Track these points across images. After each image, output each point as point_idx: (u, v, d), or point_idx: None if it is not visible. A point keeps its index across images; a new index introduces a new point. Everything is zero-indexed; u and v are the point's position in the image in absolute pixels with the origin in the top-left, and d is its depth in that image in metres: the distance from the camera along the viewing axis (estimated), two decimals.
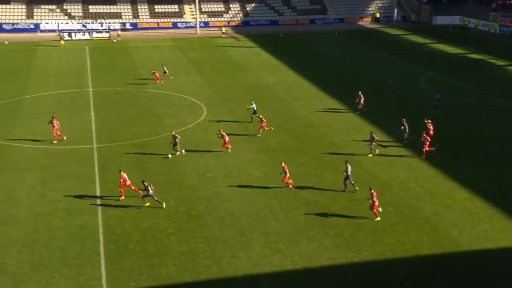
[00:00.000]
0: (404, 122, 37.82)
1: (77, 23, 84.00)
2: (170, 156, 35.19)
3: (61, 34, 75.86)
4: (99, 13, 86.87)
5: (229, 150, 36.14)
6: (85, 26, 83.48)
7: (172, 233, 26.61)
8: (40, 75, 57.08)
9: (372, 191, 27.61)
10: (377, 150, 36.08)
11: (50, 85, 53.25)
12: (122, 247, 25.34)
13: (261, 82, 55.29)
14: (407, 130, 37.60)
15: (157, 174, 32.98)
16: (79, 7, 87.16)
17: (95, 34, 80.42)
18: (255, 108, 42.10)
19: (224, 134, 36.39)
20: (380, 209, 28.08)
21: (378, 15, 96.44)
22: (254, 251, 25.15)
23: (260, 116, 40.31)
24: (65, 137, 38.17)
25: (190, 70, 60.41)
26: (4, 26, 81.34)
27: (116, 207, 28.90)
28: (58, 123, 37.99)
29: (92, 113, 44.57)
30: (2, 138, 38.33)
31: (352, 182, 30.67)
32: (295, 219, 27.92)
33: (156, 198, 28.85)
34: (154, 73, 54.46)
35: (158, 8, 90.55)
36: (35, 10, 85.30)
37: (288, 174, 30.90)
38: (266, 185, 31.65)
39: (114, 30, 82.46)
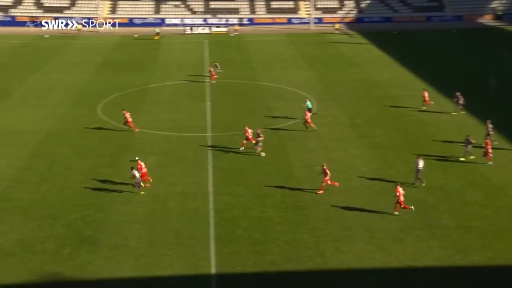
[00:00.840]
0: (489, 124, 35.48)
1: (198, 18, 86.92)
2: (263, 154, 34.46)
3: (156, 29, 78.02)
4: (218, 8, 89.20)
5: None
6: (205, 21, 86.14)
7: (278, 222, 26.84)
8: (163, 66, 59.73)
9: (398, 187, 26.81)
10: (472, 156, 33.50)
11: (172, 75, 55.55)
12: (231, 232, 25.95)
13: (371, 78, 54.11)
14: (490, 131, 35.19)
15: (266, 164, 33.36)
16: (201, 3, 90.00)
17: (214, 29, 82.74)
18: (310, 106, 40.89)
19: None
20: (412, 208, 26.89)
21: (500, 12, 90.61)
22: (358, 246, 24.75)
23: (307, 112, 39.30)
24: (137, 129, 38.39)
25: (301, 65, 60.40)
26: (134, 20, 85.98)
27: (226, 193, 29.63)
28: (129, 114, 38.52)
29: (208, 103, 45.93)
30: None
31: (419, 177, 29.68)
32: (401, 217, 27.09)
33: (141, 185, 29.13)
34: (210, 70, 53.33)
35: (274, 4, 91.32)
36: (162, 6, 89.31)
37: (329, 175, 29.52)
38: (373, 181, 30.98)
39: (232, 25, 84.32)
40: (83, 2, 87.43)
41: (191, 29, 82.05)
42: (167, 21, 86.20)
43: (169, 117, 42.19)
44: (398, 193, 26.82)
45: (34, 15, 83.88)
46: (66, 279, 22.40)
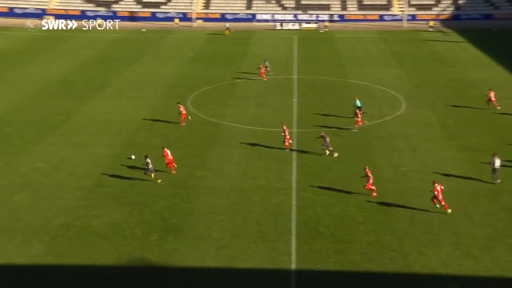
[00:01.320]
0: None
1: (289, 13, 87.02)
2: (336, 154, 33.90)
3: (226, 24, 78.54)
4: (309, 4, 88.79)
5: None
6: (296, 17, 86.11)
7: (361, 221, 26.41)
8: (252, 61, 60.35)
9: (436, 184, 26.51)
10: None
11: (259, 70, 55.95)
12: (312, 229, 25.85)
13: (466, 78, 51.82)
14: None
15: (350, 163, 32.90)
16: None
17: (304, 25, 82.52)
18: (359, 105, 39.75)
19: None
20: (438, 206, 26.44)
21: None
22: (443, 251, 23.87)
23: (357, 111, 38.26)
24: (183, 123, 38.91)
25: (392, 63, 58.91)
26: (226, 16, 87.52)
27: (309, 190, 29.52)
28: (183, 107, 39.41)
29: (295, 99, 45.92)
30: (217, 117, 41.44)
31: (494, 175, 29.27)
32: (492, 224, 25.81)
33: (153, 174, 29.93)
34: (260, 67, 52.44)
35: (367, 0, 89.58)
36: (253, 1, 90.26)
37: (371, 180, 28.29)
38: (463, 185, 29.73)
39: (322, 21, 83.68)
40: None
41: (281, 25, 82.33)
42: (258, 17, 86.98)
43: (256, 111, 42.60)
44: (436, 192, 26.44)
45: (133, 10, 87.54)
46: (152, 265, 23.28)
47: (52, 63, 58.69)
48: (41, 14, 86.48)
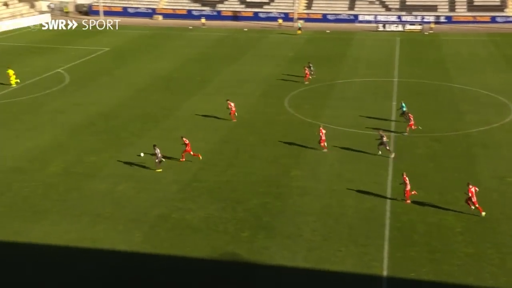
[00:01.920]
0: None
1: (393, 14, 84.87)
2: (393, 155, 33.18)
3: (299, 24, 77.97)
4: (415, 5, 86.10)
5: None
6: (399, 18, 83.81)
7: (459, 232, 25.25)
8: (351, 63, 59.56)
9: (470, 186, 26.22)
10: None
11: (359, 72, 55.16)
12: (407, 236, 25.07)
13: None
14: None
15: (452, 170, 31.55)
16: None
17: (407, 26, 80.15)
18: (405, 109, 39.04)
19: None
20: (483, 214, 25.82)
21: None
22: None
23: (410, 114, 37.27)
24: (234, 120, 39.96)
25: (502, 67, 55.73)
26: (328, 16, 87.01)
27: (404, 196, 28.63)
28: (233, 104, 40.14)
29: (394, 103, 44.74)
30: (313, 117, 41.29)
31: None
32: None
33: (159, 164, 31.10)
34: (305, 68, 51.22)
35: (478, 1, 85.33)
36: (356, 2, 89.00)
37: (408, 187, 27.05)
38: None
39: (428, 22, 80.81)
40: None
41: (383, 26, 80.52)
42: (360, 18, 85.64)
43: (353, 113, 41.97)
44: (470, 193, 26.13)
45: (237, 10, 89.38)
46: (243, 261, 23.66)
47: (158, 60, 61.30)
48: (151, 13, 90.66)
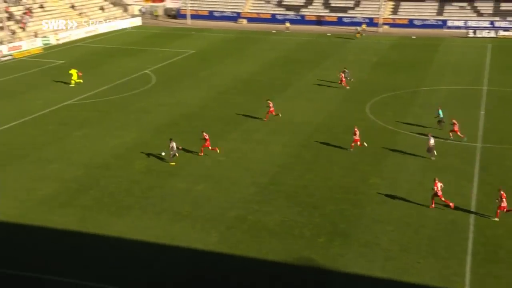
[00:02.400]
0: None
1: (485, 20, 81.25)
2: (434, 158, 33.18)
3: (358, 28, 78.73)
4: (509, 10, 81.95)
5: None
6: (492, 24, 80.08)
7: None
8: (438, 69, 57.54)
9: (501, 192, 26.13)
10: None
11: (446, 80, 53.19)
12: (491, 252, 23.84)
13: None
14: None
15: None
16: (490, 4, 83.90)
17: (501, 32, 76.42)
18: (442, 116, 38.46)
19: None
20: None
21: None
22: None
23: (454, 120, 36.62)
24: (266, 119, 40.74)
25: None
26: (414, 22, 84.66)
27: (490, 211, 27.23)
28: (272, 104, 40.82)
29: (482, 112, 42.74)
30: (395, 124, 40.26)
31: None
32: None
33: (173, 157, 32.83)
34: (341, 74, 50.81)
35: None
36: (445, 7, 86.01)
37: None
38: None
39: None
40: (367, 2, 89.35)
41: (474, 32, 77.23)
42: (449, 23, 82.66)
43: (437, 122, 40.52)
44: (503, 198, 26.02)
45: (321, 14, 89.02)
46: (318, 266, 23.41)
47: (240, 63, 62.12)
48: (236, 17, 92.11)
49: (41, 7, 79.22)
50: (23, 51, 67.17)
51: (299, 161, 34.18)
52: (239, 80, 54.07)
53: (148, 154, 35.17)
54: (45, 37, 72.11)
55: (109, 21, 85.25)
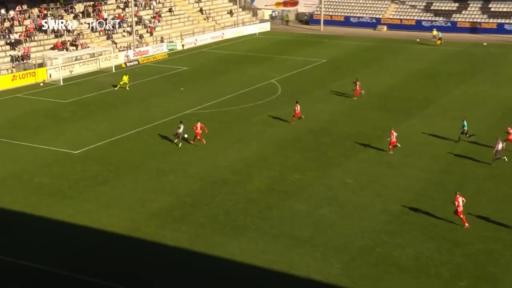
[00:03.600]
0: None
1: None
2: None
3: (435, 32, 78.27)
4: None
5: None
6: None
7: None
8: None
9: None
10: None
11: None
12: None
13: None
14: None
15: None
16: None
17: None
18: (465, 127, 39.47)
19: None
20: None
21: None
22: None
23: (508, 128, 37.44)
24: (292, 123, 43.78)
25: None
26: None
27: None
28: (299, 107, 43.81)
29: None
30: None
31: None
32: None
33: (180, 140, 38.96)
34: (356, 85, 51.69)
35: None
36: None
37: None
38: None
39: None
40: None
41: None
42: None
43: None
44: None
45: (476, 21, 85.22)
46: None
47: (377, 75, 61.06)
48: (374, 23, 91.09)
49: (170, 11, 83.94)
50: (149, 56, 71.49)
51: (440, 189, 32.59)
52: (374, 94, 53.10)
53: (269, 171, 35.48)
54: (171, 42, 76.19)
55: (236, 26, 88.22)
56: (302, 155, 38.22)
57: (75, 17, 72.30)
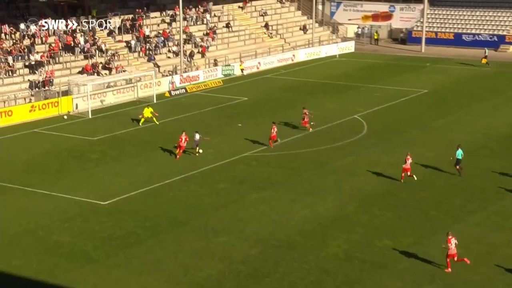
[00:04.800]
0: None
1: None
2: None
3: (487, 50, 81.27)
4: None
5: None
6: None
7: None
8: None
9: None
10: None
11: None
12: None
13: None
14: None
15: None
16: None
17: None
18: (460, 157, 42.62)
19: None
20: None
21: None
22: None
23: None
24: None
25: None
26: None
27: None
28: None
29: None
30: None
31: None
32: None
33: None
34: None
35: None
36: None
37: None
38: None
39: None
40: None
41: None
42: None
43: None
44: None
45: None
46: None
47: (497, 110, 60.22)
48: (495, 42, 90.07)
49: (227, 26, 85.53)
50: (199, 83, 72.72)
51: None
52: (493, 136, 52.29)
53: (351, 234, 35.10)
54: (227, 65, 77.39)
55: (311, 46, 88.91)
56: (394, 214, 37.66)
57: (110, 33, 74.49)
